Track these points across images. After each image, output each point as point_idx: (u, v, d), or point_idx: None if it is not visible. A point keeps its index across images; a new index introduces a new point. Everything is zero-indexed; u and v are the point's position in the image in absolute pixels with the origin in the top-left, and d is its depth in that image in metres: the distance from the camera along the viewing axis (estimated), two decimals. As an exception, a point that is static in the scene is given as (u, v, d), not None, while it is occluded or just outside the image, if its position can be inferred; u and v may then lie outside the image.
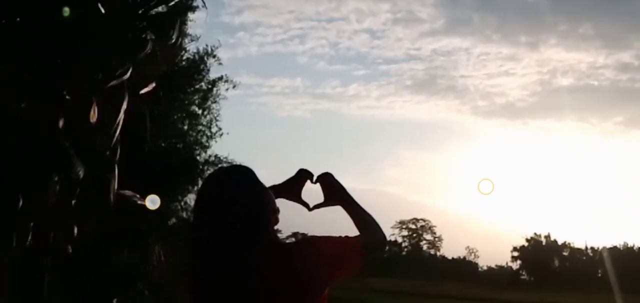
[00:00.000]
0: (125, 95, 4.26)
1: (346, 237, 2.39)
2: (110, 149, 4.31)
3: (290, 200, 2.72)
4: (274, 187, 2.58)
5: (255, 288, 2.19)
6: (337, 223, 2.73)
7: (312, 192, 2.79)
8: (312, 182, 2.77)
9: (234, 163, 2.47)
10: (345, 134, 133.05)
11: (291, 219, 2.80)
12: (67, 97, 4.12)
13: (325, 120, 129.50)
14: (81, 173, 4.18)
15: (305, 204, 2.77)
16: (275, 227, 2.39)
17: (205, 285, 2.27)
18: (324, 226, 2.82)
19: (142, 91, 4.94)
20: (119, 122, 4.26)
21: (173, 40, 5.33)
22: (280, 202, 2.56)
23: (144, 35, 4.96)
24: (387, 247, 2.63)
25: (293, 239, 2.52)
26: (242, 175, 2.37)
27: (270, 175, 2.76)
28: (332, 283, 2.31)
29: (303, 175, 2.77)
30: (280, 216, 2.45)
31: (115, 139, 4.31)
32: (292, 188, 2.73)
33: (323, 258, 2.25)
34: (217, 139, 23.72)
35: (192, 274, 2.33)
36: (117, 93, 4.24)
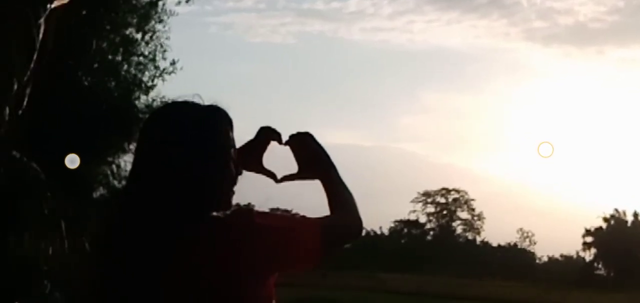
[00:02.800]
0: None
1: (303, 219, 2.47)
2: None
3: (250, 170, 2.75)
4: None
5: (176, 279, 2.27)
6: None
7: (283, 158, 2.83)
8: (280, 143, 2.82)
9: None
10: (344, 69, 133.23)
11: (266, 189, 2.81)
12: None
13: (315, 49, 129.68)
14: None
15: (271, 175, 2.84)
16: (233, 201, 2.45)
17: (113, 273, 2.36)
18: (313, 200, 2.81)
19: (55, 4, 4.85)
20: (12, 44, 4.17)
21: None
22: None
23: None
24: (358, 236, 2.72)
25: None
26: (187, 116, 2.41)
27: (235, 128, 2.75)
28: (278, 274, 2.40)
29: (265, 136, 2.82)
30: (254, 184, 2.49)
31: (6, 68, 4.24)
32: (251, 153, 2.78)
33: (267, 249, 2.32)
34: (166, 76, 23.70)
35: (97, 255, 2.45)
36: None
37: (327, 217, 2.58)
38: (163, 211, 2.31)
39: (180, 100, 2.43)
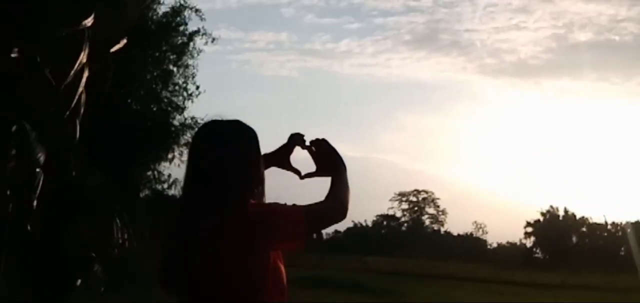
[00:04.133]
0: (85, 46, 4.16)
1: (292, 205, 2.51)
2: (69, 108, 4.24)
3: (280, 167, 2.83)
4: (264, 156, 2.67)
5: (208, 253, 2.36)
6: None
7: (306, 160, 2.86)
8: (302, 148, 2.85)
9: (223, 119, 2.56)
10: (337, 96, 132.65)
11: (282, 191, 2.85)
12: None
13: (315, 80, 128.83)
14: (41, 159, 4.14)
15: (296, 171, 2.88)
16: (256, 199, 2.52)
17: (167, 247, 2.49)
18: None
19: (113, 49, 4.85)
20: (76, 78, 4.16)
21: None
22: (273, 173, 2.72)
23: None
24: (341, 219, 2.69)
25: None
26: (222, 131, 2.50)
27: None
28: (274, 250, 2.45)
29: (293, 140, 2.86)
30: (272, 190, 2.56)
31: (75, 99, 4.24)
32: (282, 155, 2.84)
33: (266, 228, 2.38)
34: (194, 99, 23.68)
35: (163, 236, 2.53)
36: (74, 43, 4.15)
37: (312, 203, 2.59)
38: (200, 205, 2.40)
39: (217, 119, 2.50)
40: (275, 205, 2.50)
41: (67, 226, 4.79)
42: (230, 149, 2.44)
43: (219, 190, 2.39)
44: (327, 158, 2.80)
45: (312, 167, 2.85)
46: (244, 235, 2.35)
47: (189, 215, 2.42)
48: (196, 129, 2.64)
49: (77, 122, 4.48)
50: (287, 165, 2.85)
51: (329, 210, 2.64)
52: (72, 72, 4.14)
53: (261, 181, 2.57)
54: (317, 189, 2.72)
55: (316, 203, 2.61)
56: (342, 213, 2.66)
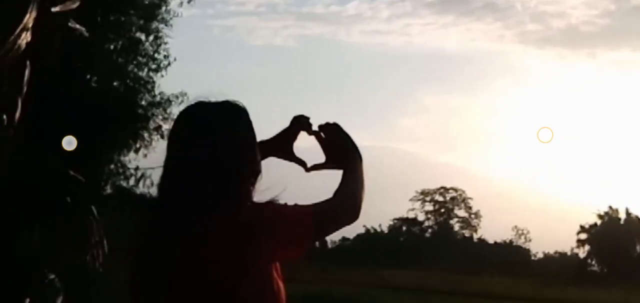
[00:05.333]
0: (31, 8, 4.16)
1: (299, 206, 2.53)
2: (9, 83, 4.24)
3: (280, 157, 2.85)
4: (261, 143, 2.67)
5: (186, 272, 2.38)
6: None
7: (312, 149, 2.90)
8: (309, 133, 2.87)
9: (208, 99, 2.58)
10: (344, 71, 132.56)
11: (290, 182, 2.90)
12: None
13: (316, 51, 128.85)
14: None
15: (302, 163, 2.90)
16: (254, 193, 2.54)
17: (139, 254, 2.52)
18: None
19: (57, 8, 4.85)
20: (16, 46, 4.16)
21: None
22: (272, 164, 2.70)
23: None
24: (353, 220, 2.71)
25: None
26: (209, 117, 2.51)
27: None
28: (275, 259, 2.48)
29: (297, 125, 2.88)
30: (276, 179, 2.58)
31: (17, 71, 4.24)
32: (283, 143, 2.86)
33: (266, 230, 2.41)
34: (164, 71, 23.56)
35: (138, 234, 2.57)
36: (17, 3, 4.15)
37: (319, 202, 2.61)
38: (181, 204, 2.42)
39: (203, 99, 2.51)
40: (275, 204, 2.51)
41: (20, 233, 4.81)
42: (217, 135, 2.46)
43: (205, 185, 2.41)
44: (339, 147, 2.82)
45: (321, 157, 2.88)
46: (236, 241, 2.37)
47: (167, 215, 2.45)
48: (169, 109, 2.67)
49: (19, 100, 4.46)
50: (289, 155, 2.87)
51: (340, 209, 2.67)
52: (12, 37, 4.12)
53: (257, 173, 2.57)
54: (327, 184, 2.75)
55: (323, 202, 2.62)
56: (354, 214, 2.68)
